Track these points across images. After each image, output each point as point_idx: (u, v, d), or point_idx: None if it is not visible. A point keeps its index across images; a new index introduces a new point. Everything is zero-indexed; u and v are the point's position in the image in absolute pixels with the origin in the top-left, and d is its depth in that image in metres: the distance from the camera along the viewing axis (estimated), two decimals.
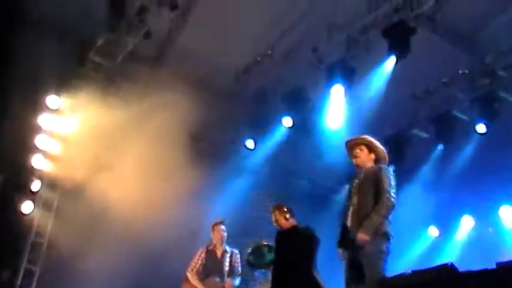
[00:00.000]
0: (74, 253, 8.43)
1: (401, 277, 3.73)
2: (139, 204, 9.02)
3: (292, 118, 10.41)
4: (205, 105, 11.03)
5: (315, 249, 4.19)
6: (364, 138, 5.91)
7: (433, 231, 11.75)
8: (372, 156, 5.81)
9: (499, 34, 8.88)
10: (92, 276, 8.45)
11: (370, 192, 5.48)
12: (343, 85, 9.27)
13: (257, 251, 6.77)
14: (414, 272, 3.95)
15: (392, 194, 5.39)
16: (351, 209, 5.53)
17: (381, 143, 11.34)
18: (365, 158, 5.78)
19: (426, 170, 10.65)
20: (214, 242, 7.46)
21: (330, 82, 9.42)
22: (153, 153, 9.53)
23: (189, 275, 7.27)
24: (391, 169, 5.68)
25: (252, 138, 11.04)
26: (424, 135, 10.55)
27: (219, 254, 7.40)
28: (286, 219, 6.65)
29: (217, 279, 7.14)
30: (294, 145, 11.77)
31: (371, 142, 5.87)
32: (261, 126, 11.03)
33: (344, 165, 11.85)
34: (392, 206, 5.35)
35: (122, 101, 9.93)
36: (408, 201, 10.69)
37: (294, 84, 10.27)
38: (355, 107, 9.89)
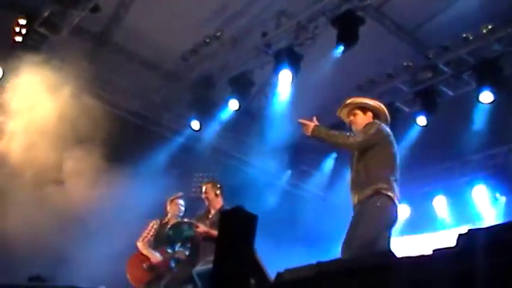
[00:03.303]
0: (9, 227, 8.18)
1: (339, 261, 3.78)
2: (81, 180, 8.85)
3: (238, 101, 10.35)
4: (150, 85, 10.93)
5: (255, 229, 4.21)
6: (352, 102, 5.34)
7: None
8: (369, 114, 5.28)
9: (442, 30, 9.09)
10: (29, 250, 8.22)
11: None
12: (290, 71, 9.27)
13: (177, 226, 6.89)
14: (353, 257, 4.01)
15: (362, 138, 4.98)
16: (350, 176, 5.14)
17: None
18: (362, 121, 5.23)
19: None
20: (169, 215, 7.41)
21: (277, 68, 9.43)
22: (94, 130, 9.34)
23: (138, 244, 7.21)
24: (385, 127, 5.17)
25: (197, 120, 10.93)
26: None
27: None
28: (216, 195, 6.79)
29: (168, 250, 7.08)
30: (239, 128, 11.77)
31: (363, 102, 5.34)
32: (206, 108, 10.96)
33: (287, 150, 12.08)
34: (356, 144, 4.98)
35: (64, 74, 9.68)
36: (347, 190, 10.89)
37: (241, 67, 10.23)
38: (301, 94, 9.93)
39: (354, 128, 5.25)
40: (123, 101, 10.87)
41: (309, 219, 11.31)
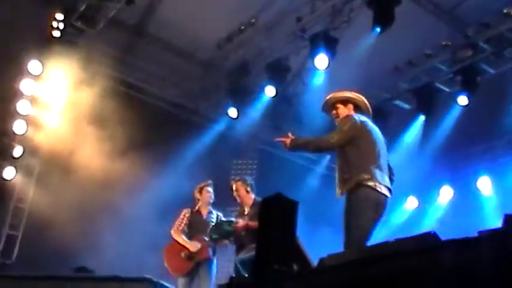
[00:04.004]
0: (54, 218, 8.41)
1: (382, 245, 3.75)
2: (120, 171, 9.01)
3: (275, 88, 10.33)
4: (186, 74, 11.01)
5: (296, 215, 4.25)
6: (333, 96, 5.49)
7: (412, 202, 11.86)
8: (350, 106, 5.42)
9: (482, 6, 8.89)
10: (72, 241, 8.46)
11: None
12: (327, 55, 9.20)
13: (217, 227, 6.97)
14: (396, 240, 3.97)
15: (338, 136, 5.10)
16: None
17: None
18: (344, 114, 5.38)
19: (406, 141, 10.68)
20: (200, 203, 7.46)
21: (313, 52, 9.36)
22: (132, 121, 9.48)
23: (173, 233, 7.26)
24: (360, 117, 5.26)
25: (234, 107, 10.97)
26: (406, 106, 10.60)
27: (204, 214, 7.41)
28: (247, 191, 6.86)
29: (205, 238, 7.16)
30: (276, 115, 11.77)
31: (342, 96, 5.46)
32: (243, 95, 10.96)
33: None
34: (331, 145, 5.16)
35: (101, 67, 9.84)
36: None
37: (276, 53, 10.20)
38: (337, 78, 9.85)
39: (337, 121, 5.41)
40: (160, 91, 10.98)
41: None
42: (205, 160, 10.35)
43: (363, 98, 5.49)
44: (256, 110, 11.23)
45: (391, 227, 11.15)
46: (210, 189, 7.54)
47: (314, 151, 5.52)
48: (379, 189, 4.91)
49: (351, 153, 5.09)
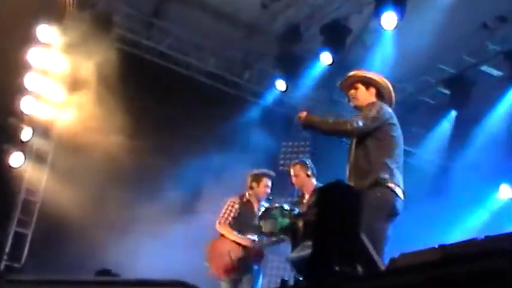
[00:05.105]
0: (71, 213, 8.52)
1: (469, 243, 3.65)
2: (145, 155, 9.08)
3: (331, 54, 10.22)
4: (226, 40, 10.99)
5: (360, 206, 4.20)
6: (355, 74, 5.67)
7: (505, 191, 11.60)
8: (372, 90, 5.58)
9: None
10: (91, 239, 8.56)
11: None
12: (396, 13, 9.02)
13: (266, 215, 6.27)
14: (487, 238, 3.85)
15: (362, 123, 5.22)
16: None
17: (441, 85, 11.21)
18: (364, 97, 5.55)
19: (497, 116, 10.42)
20: (252, 194, 7.40)
21: (378, 10, 9.19)
22: (161, 96, 9.52)
23: (220, 227, 7.25)
24: (388, 107, 5.44)
25: (282, 79, 10.92)
26: (496, 73, 10.33)
27: (255, 207, 7.36)
28: (307, 175, 6.79)
29: (255, 238, 7.12)
30: (332, 87, 11.65)
31: (366, 76, 5.64)
32: (294, 64, 10.89)
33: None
34: (355, 130, 5.23)
35: (126, 33, 9.89)
36: (473, 156, 10.56)
37: (334, 13, 10.06)
38: (409, 41, 9.68)
39: (353, 103, 5.60)
40: (195, 60, 11.01)
41: (421, 191, 11.03)
42: (249, 141, 10.35)
43: (389, 85, 5.65)
44: (309, 81, 11.19)
45: (479, 222, 10.98)
46: (269, 182, 7.47)
47: (329, 133, 5.63)
48: (397, 192, 5.16)
49: (372, 146, 5.29)
